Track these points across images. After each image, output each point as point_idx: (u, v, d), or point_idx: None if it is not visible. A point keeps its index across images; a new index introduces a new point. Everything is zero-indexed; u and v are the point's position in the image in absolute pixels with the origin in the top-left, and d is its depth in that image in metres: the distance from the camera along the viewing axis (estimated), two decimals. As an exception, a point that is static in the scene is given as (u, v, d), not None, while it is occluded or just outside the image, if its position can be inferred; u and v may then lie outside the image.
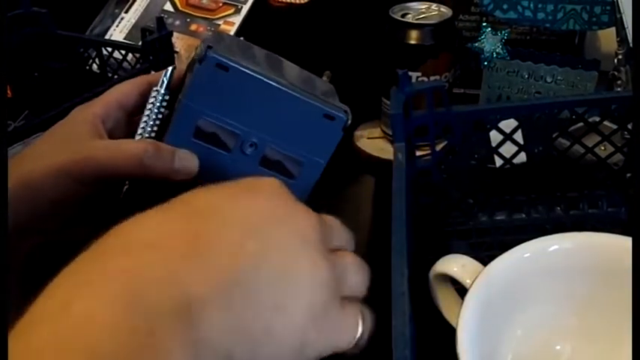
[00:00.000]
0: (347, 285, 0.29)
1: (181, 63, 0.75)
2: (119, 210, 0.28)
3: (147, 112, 0.36)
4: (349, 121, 0.36)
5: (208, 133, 0.35)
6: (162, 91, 0.36)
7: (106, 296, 0.22)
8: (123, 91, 0.37)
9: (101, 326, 0.21)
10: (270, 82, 0.34)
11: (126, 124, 0.37)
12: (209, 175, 0.34)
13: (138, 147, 0.33)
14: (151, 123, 0.36)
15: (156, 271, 0.23)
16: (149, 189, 0.32)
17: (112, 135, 0.36)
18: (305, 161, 0.36)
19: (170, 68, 0.37)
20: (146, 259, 0.23)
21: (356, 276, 0.30)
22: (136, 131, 0.36)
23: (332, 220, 0.31)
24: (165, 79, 0.36)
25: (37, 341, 0.20)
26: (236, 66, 0.33)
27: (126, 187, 0.36)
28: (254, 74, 0.34)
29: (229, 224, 0.26)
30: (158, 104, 0.36)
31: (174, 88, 0.36)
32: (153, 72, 0.62)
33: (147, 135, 0.36)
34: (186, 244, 0.24)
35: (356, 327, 0.29)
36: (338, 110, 0.35)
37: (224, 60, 0.33)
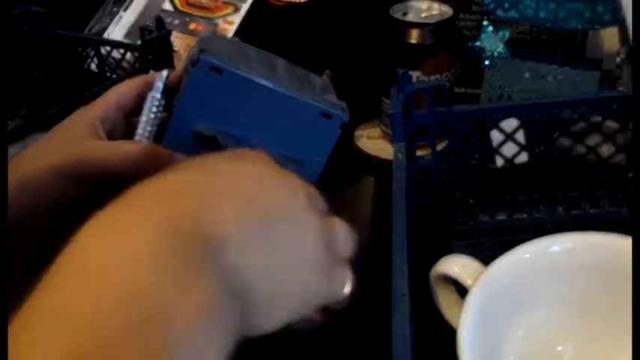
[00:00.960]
0: (338, 244, 0.31)
1: (180, 62, 0.75)
2: None
3: (144, 117, 0.36)
4: (347, 118, 0.36)
5: (205, 137, 0.35)
6: (159, 96, 0.36)
7: (137, 237, 0.23)
8: (121, 92, 0.37)
9: (137, 263, 0.22)
10: (265, 84, 0.34)
11: (124, 125, 0.38)
12: None
13: (134, 149, 0.34)
14: (149, 127, 0.36)
15: (185, 215, 0.24)
16: None
17: (111, 136, 0.36)
18: (304, 160, 0.36)
19: (165, 72, 0.37)
20: (172, 206, 0.25)
21: (346, 238, 0.31)
22: (134, 134, 0.36)
23: (313, 189, 0.33)
24: (160, 83, 0.36)
25: (74, 280, 0.21)
26: (229, 68, 0.33)
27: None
28: (248, 76, 0.34)
29: (242, 179, 0.28)
30: (155, 109, 0.36)
31: (171, 90, 0.36)
32: (152, 71, 0.62)
33: (145, 138, 0.36)
34: (206, 193, 0.26)
35: (345, 282, 0.31)
36: (335, 108, 0.35)
37: (217, 63, 0.33)
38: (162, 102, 0.36)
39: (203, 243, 0.24)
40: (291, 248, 0.28)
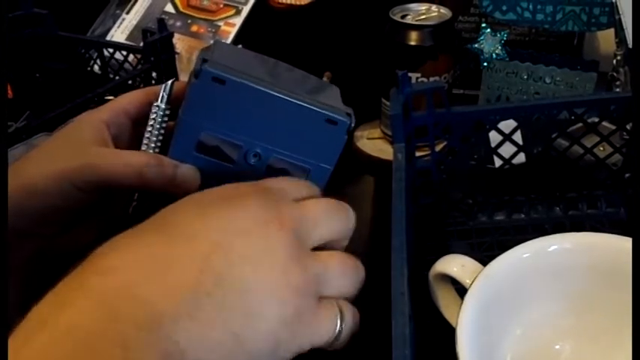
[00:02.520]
0: (328, 286, 0.30)
1: (182, 64, 0.75)
2: (127, 226, 0.28)
3: (149, 127, 0.36)
4: (352, 124, 0.35)
5: (210, 147, 0.34)
6: (163, 106, 0.36)
7: (86, 312, 0.24)
8: (130, 99, 0.37)
9: (80, 337, 0.23)
10: (269, 91, 0.33)
11: (131, 132, 0.37)
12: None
13: (139, 159, 0.34)
14: (154, 138, 0.36)
15: (125, 293, 0.25)
16: (157, 205, 0.32)
17: (117, 141, 0.36)
18: (311, 168, 0.36)
19: (169, 82, 0.36)
20: (116, 282, 0.25)
21: (341, 278, 0.31)
22: (141, 144, 0.36)
23: (320, 214, 0.31)
24: (164, 93, 0.36)
25: (27, 351, 0.23)
26: (233, 78, 0.33)
27: (134, 203, 0.36)
28: (251, 84, 0.33)
29: (196, 239, 0.27)
30: (159, 119, 0.36)
31: (176, 100, 0.36)
32: (154, 73, 0.63)
33: (150, 149, 0.36)
34: (150, 265, 0.26)
35: (333, 326, 0.30)
36: (340, 114, 0.35)
37: (220, 73, 0.33)
38: (167, 112, 0.36)
39: (145, 322, 0.24)
40: (250, 311, 0.27)
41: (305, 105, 0.34)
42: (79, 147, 0.34)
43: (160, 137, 0.36)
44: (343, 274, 0.31)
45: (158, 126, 0.36)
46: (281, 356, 0.28)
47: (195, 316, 0.25)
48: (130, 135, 0.37)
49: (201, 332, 0.25)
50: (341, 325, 0.30)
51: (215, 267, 0.27)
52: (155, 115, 0.36)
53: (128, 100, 0.37)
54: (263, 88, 0.33)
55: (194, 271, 0.26)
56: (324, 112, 0.34)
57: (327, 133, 0.35)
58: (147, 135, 0.36)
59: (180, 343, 0.24)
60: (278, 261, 0.28)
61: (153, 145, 0.36)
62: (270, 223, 0.29)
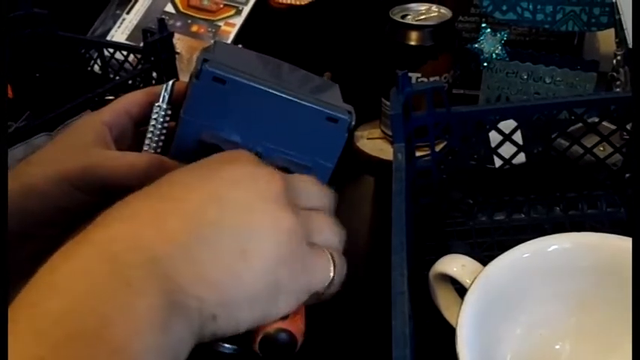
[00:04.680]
0: (317, 234, 0.31)
1: (182, 64, 0.75)
2: None
3: (151, 128, 0.36)
4: (353, 122, 0.35)
5: (212, 146, 0.35)
6: (164, 106, 0.36)
7: (89, 258, 0.25)
8: (131, 100, 0.38)
9: (85, 280, 0.25)
10: (269, 90, 0.34)
11: (133, 133, 0.38)
12: None
13: (140, 160, 0.34)
14: (156, 138, 0.36)
15: (125, 240, 0.26)
16: None
17: (119, 143, 0.36)
18: (312, 166, 0.36)
19: (170, 82, 0.37)
20: (117, 231, 0.27)
21: (328, 230, 0.32)
22: (143, 144, 0.36)
23: (305, 183, 0.33)
24: (165, 93, 0.36)
25: (34, 293, 0.24)
26: (233, 77, 0.33)
27: None
28: (252, 84, 0.33)
29: (192, 192, 0.29)
30: (161, 119, 0.36)
31: (177, 100, 0.36)
32: (155, 73, 0.63)
33: (152, 149, 0.36)
34: (148, 216, 0.28)
35: (327, 271, 0.31)
36: (341, 112, 0.35)
37: (220, 73, 0.33)
38: (169, 112, 0.36)
39: (144, 263, 0.26)
40: (245, 249, 0.28)
41: (305, 103, 0.34)
42: (80, 149, 0.35)
43: (162, 137, 0.36)
44: (330, 227, 0.32)
45: (160, 126, 0.36)
46: (282, 301, 0.29)
47: (192, 259, 0.27)
48: (132, 135, 0.37)
49: (199, 272, 0.27)
50: (333, 271, 0.31)
51: (210, 215, 0.28)
52: (157, 115, 0.36)
53: (129, 101, 0.38)
54: (263, 87, 0.34)
55: (189, 219, 0.28)
56: (324, 110, 0.35)
57: (328, 131, 0.35)
58: (148, 135, 0.36)
59: (179, 282, 0.26)
60: (270, 207, 0.29)
61: (154, 145, 0.36)
62: (261, 177, 0.30)
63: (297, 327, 0.31)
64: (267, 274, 0.28)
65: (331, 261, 0.32)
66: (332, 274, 0.31)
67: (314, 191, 0.33)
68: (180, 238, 0.27)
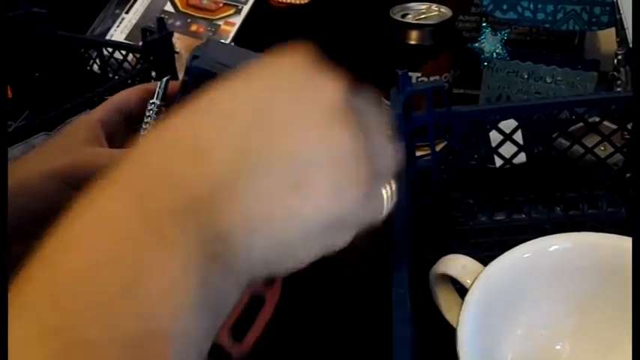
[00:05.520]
0: (378, 161, 0.27)
1: (182, 63, 0.75)
2: None
3: (145, 125, 0.36)
4: None
5: None
6: (159, 102, 0.37)
7: (116, 199, 0.22)
8: (123, 97, 0.38)
9: (112, 226, 0.21)
10: None
11: (126, 130, 0.38)
12: None
13: None
14: None
15: (157, 179, 0.23)
16: None
17: (111, 139, 0.36)
18: None
19: (164, 79, 0.37)
20: (149, 169, 0.23)
21: (387, 158, 0.28)
22: None
23: (363, 97, 0.29)
24: (160, 90, 0.37)
25: (49, 250, 0.22)
26: (223, 72, 0.33)
27: None
28: None
29: (233, 114, 0.25)
30: (155, 115, 0.36)
31: (171, 97, 0.37)
32: (154, 73, 0.63)
33: None
34: (186, 147, 0.24)
35: (384, 199, 0.28)
36: None
37: (209, 69, 0.33)
38: (163, 109, 0.37)
39: (180, 208, 0.22)
40: (299, 182, 0.24)
41: None
42: (72, 146, 0.35)
43: None
44: (389, 151, 0.28)
45: (154, 122, 0.36)
46: (340, 235, 0.26)
47: (238, 197, 0.23)
48: (125, 133, 0.38)
49: (246, 214, 0.23)
50: (389, 200, 0.28)
51: (254, 143, 0.24)
52: (151, 111, 0.36)
53: (121, 98, 0.38)
54: None
55: (230, 151, 0.23)
56: None
57: None
58: (143, 132, 0.36)
59: (224, 228, 0.22)
60: (328, 127, 0.25)
61: None
62: (317, 88, 0.26)
63: (273, 298, 0.30)
64: (325, 209, 0.24)
65: (389, 189, 0.28)
66: (387, 204, 0.28)
67: (372, 107, 0.29)
68: (221, 175, 0.23)
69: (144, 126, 0.36)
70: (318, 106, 0.25)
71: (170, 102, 0.36)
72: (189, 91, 0.34)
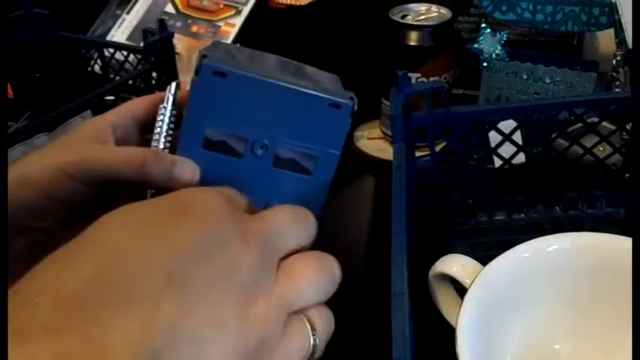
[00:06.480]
0: (298, 302, 0.28)
1: (182, 64, 0.75)
2: None
3: (157, 130, 0.36)
4: (356, 107, 0.35)
5: (217, 142, 0.35)
6: (170, 107, 0.36)
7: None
8: (137, 103, 0.38)
9: None
10: (270, 81, 0.34)
11: (138, 137, 0.37)
12: (224, 183, 0.34)
13: (137, 153, 0.34)
14: (163, 140, 0.36)
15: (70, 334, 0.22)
16: None
17: (123, 144, 0.36)
18: (319, 155, 0.36)
19: (174, 84, 0.37)
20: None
21: (314, 288, 0.29)
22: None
23: (283, 225, 0.29)
24: (170, 95, 0.36)
25: None
26: (233, 70, 0.33)
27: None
28: (252, 75, 0.33)
29: (145, 266, 0.24)
30: (167, 120, 0.36)
31: (182, 102, 0.36)
32: (155, 74, 0.63)
33: (159, 150, 0.36)
34: (94, 297, 0.23)
35: (305, 344, 0.28)
36: (343, 97, 0.35)
37: (219, 66, 0.33)
38: (174, 112, 0.36)
39: None
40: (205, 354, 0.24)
41: (307, 91, 0.34)
42: (80, 143, 0.35)
43: (169, 139, 0.36)
44: (317, 282, 0.29)
45: (166, 127, 0.36)
46: None
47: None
48: (138, 140, 0.37)
49: None
50: (314, 339, 0.28)
51: (165, 313, 0.23)
52: (162, 116, 0.36)
53: (135, 104, 0.38)
54: (264, 78, 0.34)
55: (143, 311, 0.23)
56: (326, 96, 0.35)
57: (332, 118, 0.35)
58: (155, 137, 0.36)
59: None
60: (237, 294, 0.25)
61: (162, 146, 0.36)
62: (233, 242, 0.26)
63: None
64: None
65: (310, 331, 0.28)
66: (312, 345, 0.28)
67: (295, 231, 0.30)
68: (132, 343, 0.22)
69: (156, 130, 0.36)
70: (229, 269, 0.25)
71: (180, 106, 0.36)
72: (202, 91, 0.34)
